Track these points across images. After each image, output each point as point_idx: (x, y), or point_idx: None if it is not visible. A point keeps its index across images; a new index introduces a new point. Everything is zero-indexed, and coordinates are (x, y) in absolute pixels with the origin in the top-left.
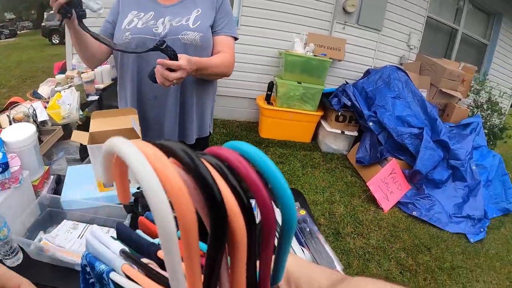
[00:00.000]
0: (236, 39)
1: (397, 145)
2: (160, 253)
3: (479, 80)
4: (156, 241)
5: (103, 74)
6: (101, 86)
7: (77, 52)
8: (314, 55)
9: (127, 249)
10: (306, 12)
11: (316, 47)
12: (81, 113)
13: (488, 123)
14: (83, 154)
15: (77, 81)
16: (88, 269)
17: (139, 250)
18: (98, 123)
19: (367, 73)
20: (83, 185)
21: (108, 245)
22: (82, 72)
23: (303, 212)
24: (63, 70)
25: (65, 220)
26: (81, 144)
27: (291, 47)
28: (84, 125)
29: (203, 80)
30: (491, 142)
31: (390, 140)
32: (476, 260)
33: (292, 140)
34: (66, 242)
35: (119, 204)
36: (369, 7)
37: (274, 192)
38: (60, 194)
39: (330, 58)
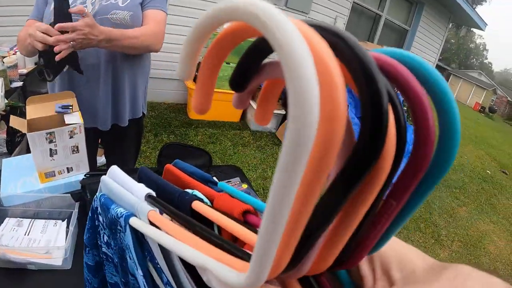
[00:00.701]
0: (166, 14)
1: None
2: (196, 205)
3: None
4: (188, 191)
5: (26, 58)
6: (24, 71)
7: (23, 51)
8: None
9: (153, 193)
10: None
11: None
12: (6, 101)
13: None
14: (11, 146)
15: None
16: (100, 211)
17: (168, 200)
18: (34, 109)
19: None
20: (22, 178)
21: (130, 189)
22: (4, 57)
23: (245, 185)
24: None
25: (7, 218)
26: (7, 136)
27: (219, 28)
28: (8, 116)
29: (135, 62)
30: (410, 118)
31: None
32: None
33: (221, 120)
34: (14, 241)
35: (64, 193)
36: None
37: (438, 110)
38: None
39: None
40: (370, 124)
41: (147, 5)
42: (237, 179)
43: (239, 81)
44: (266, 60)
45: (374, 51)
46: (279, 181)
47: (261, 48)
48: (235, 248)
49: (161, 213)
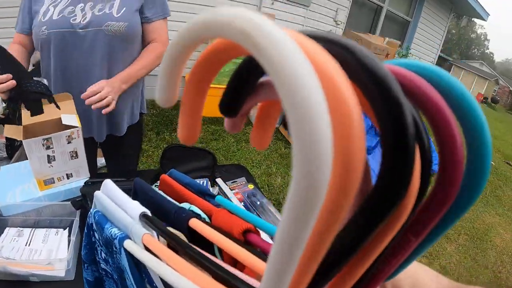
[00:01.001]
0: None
1: None
2: (193, 223)
3: (402, 54)
4: (185, 205)
5: (25, 62)
6: None
7: None
8: None
9: (148, 212)
10: None
11: None
12: (4, 105)
13: None
14: (11, 151)
15: None
16: (95, 228)
17: (163, 217)
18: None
19: None
20: (20, 186)
21: (124, 206)
22: None
23: (251, 186)
24: None
25: (7, 228)
26: (7, 140)
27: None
28: (7, 120)
29: None
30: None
31: None
32: None
33: (223, 116)
34: (15, 253)
35: (64, 201)
36: None
37: (463, 125)
38: None
39: None
40: (393, 157)
41: (151, 16)
42: (243, 179)
43: (231, 106)
44: (263, 79)
45: (387, 63)
46: (287, 231)
47: (256, 64)
48: (238, 281)
49: (157, 236)
